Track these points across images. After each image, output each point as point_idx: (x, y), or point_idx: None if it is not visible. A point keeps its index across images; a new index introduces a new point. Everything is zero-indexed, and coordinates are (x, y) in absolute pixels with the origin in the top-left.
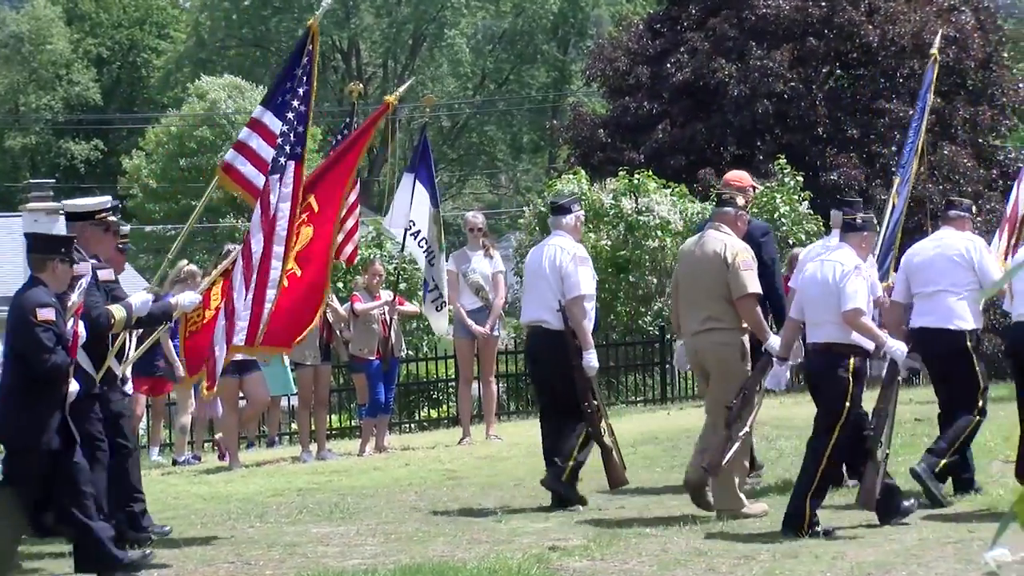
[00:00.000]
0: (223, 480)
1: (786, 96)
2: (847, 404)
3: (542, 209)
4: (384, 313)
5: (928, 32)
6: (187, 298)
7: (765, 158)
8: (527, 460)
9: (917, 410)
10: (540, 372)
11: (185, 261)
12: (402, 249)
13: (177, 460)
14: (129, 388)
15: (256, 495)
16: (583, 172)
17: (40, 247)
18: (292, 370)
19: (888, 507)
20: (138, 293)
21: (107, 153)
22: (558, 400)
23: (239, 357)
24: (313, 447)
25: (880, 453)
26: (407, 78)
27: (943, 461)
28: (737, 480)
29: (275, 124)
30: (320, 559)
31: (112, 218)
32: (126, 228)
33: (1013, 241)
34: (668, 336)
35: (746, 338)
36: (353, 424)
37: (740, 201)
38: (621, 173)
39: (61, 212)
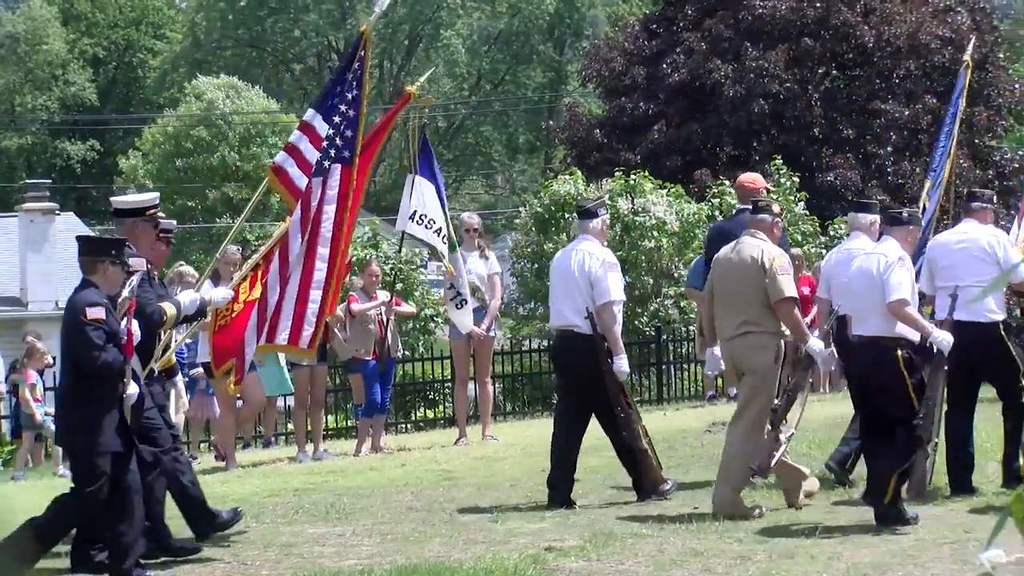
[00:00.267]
0: (219, 480)
1: (782, 97)
2: (912, 395)
3: (538, 210)
4: (381, 313)
5: (924, 33)
6: (219, 294)
7: (761, 159)
8: (523, 461)
9: None
10: (567, 375)
11: (180, 263)
12: (399, 250)
13: None
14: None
15: (252, 495)
16: (579, 173)
17: (91, 250)
18: (288, 370)
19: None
20: (187, 291)
21: (103, 153)
22: (586, 404)
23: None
24: (309, 447)
25: (929, 444)
26: (404, 78)
27: (1020, 463)
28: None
29: (322, 128)
30: (316, 559)
31: (161, 214)
32: (172, 223)
33: None
34: (663, 337)
35: (781, 342)
36: (349, 424)
37: (776, 209)
38: (617, 174)
39: (58, 212)
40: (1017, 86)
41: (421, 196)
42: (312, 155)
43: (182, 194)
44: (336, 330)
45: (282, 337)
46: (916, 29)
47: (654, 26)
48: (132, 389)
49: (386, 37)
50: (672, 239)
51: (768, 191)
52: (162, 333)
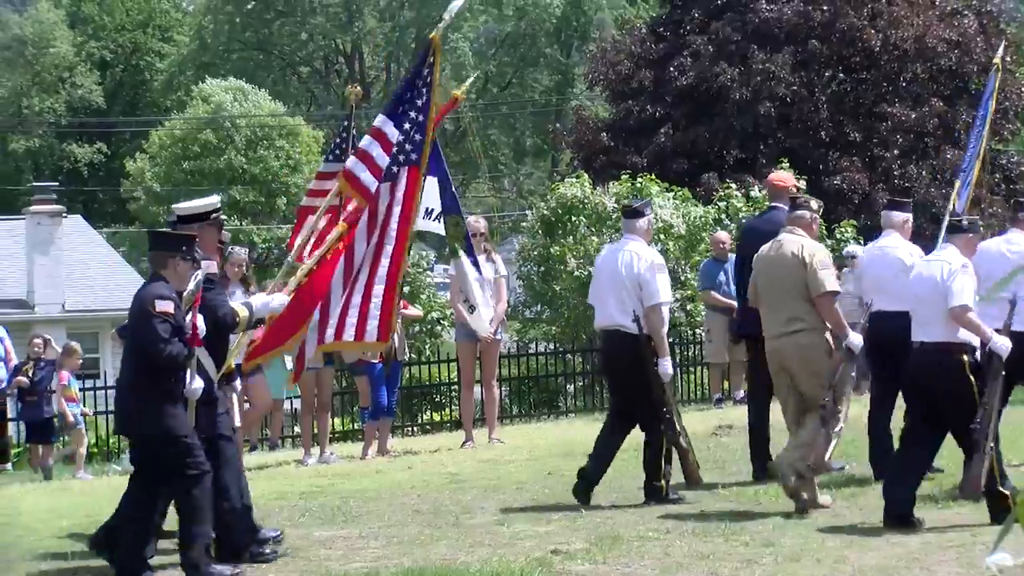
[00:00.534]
0: None
1: (788, 100)
2: (978, 398)
3: (545, 213)
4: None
5: (931, 36)
6: (278, 300)
7: (767, 162)
8: (529, 464)
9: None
10: (614, 374)
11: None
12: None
13: None
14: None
15: (258, 499)
16: (586, 175)
17: (162, 244)
18: None
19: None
20: (259, 295)
21: (110, 156)
22: (629, 402)
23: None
24: (315, 450)
25: (987, 447)
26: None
27: None
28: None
29: (393, 134)
30: (323, 562)
31: (223, 216)
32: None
33: None
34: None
35: (829, 336)
36: (356, 427)
37: (814, 205)
38: (624, 177)
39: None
40: None
41: (429, 193)
42: (383, 160)
43: (189, 197)
44: None
45: (349, 334)
46: (923, 33)
47: (661, 29)
48: (197, 384)
49: (392, 40)
50: (679, 242)
51: (797, 189)
52: (232, 336)
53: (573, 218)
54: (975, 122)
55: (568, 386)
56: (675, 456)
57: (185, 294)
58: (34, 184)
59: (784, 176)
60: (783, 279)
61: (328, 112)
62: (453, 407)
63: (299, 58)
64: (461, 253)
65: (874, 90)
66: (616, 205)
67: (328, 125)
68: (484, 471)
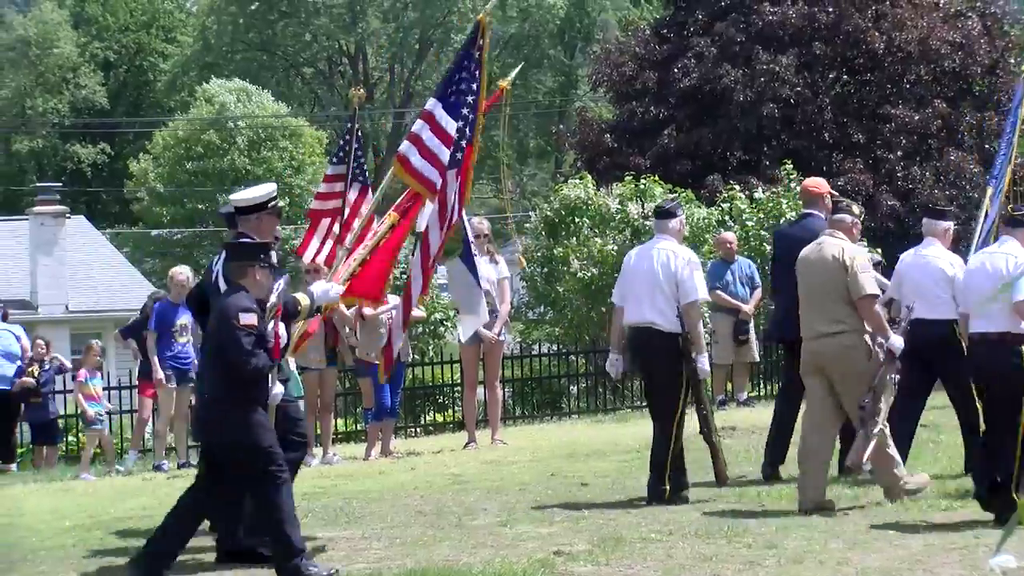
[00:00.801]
0: None
1: (792, 101)
2: None
3: (548, 214)
4: (391, 317)
5: (934, 38)
6: (336, 289)
7: (771, 163)
8: (532, 465)
9: (924, 416)
10: (648, 372)
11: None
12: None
13: (158, 466)
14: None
15: None
16: (589, 177)
17: (239, 255)
18: (299, 373)
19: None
20: (319, 282)
21: (114, 157)
22: (658, 399)
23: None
24: (318, 451)
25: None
26: (413, 84)
27: None
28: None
29: (450, 124)
30: (326, 563)
31: (280, 203)
32: None
33: None
34: None
35: (868, 338)
36: (359, 428)
37: (856, 210)
38: (627, 178)
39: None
40: None
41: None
42: (439, 149)
43: (192, 198)
44: (344, 334)
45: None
46: (926, 35)
47: (664, 31)
48: (278, 388)
49: (396, 41)
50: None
51: (832, 195)
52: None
53: (576, 219)
54: (1005, 128)
55: (571, 387)
56: (686, 459)
57: (268, 305)
58: (38, 185)
59: (819, 182)
60: (824, 282)
61: (332, 113)
62: (456, 408)
63: (303, 59)
64: (456, 257)
65: (878, 92)
66: (619, 206)
67: (332, 126)
68: (487, 472)
